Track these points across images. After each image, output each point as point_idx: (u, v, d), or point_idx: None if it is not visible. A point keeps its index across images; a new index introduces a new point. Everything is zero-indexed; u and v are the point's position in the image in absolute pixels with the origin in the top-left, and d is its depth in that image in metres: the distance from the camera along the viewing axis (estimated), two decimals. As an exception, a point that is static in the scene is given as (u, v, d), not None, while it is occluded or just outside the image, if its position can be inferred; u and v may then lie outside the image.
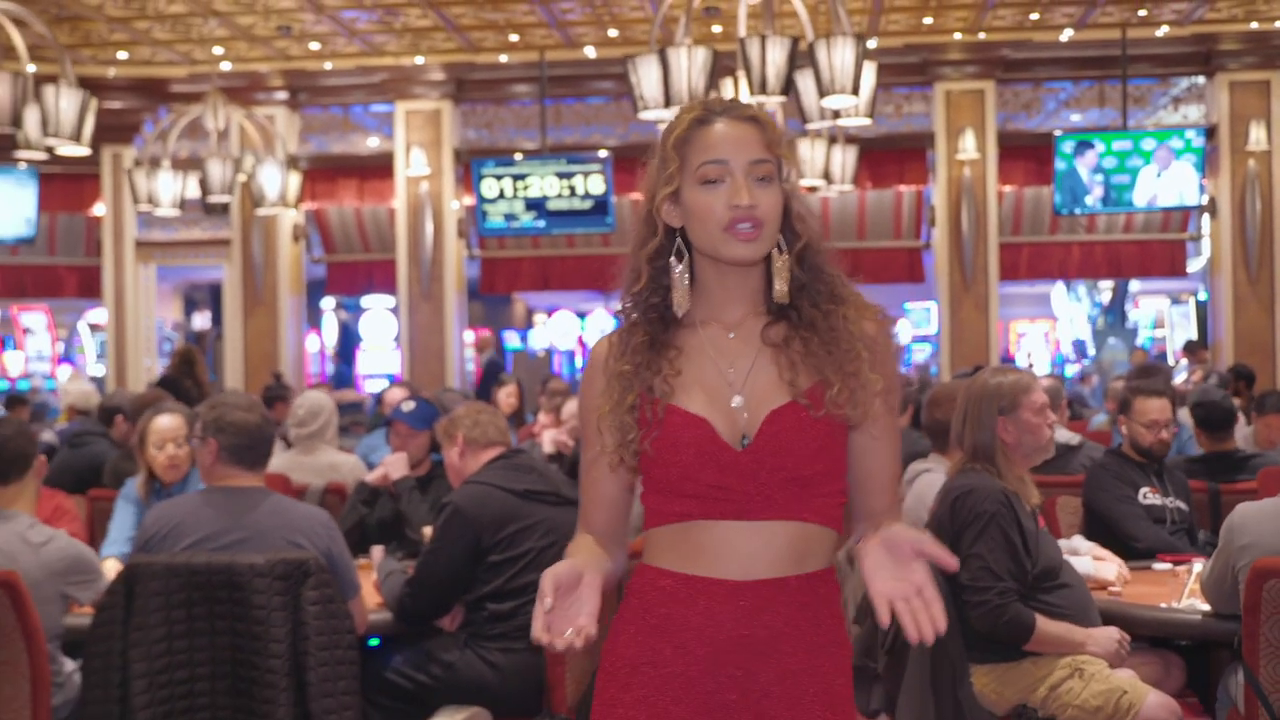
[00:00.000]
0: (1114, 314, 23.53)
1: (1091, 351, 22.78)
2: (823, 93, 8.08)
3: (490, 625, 4.34)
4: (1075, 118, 15.74)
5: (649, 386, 2.21)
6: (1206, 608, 4.10)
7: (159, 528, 4.08)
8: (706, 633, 2.15)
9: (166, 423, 5.38)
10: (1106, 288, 23.10)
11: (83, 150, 9.12)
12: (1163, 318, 22.00)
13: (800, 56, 8.13)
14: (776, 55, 7.72)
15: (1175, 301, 21.27)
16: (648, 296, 2.26)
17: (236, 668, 3.83)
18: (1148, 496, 5.17)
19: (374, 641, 4.44)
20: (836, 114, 8.86)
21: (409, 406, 5.79)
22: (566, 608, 2.01)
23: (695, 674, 2.15)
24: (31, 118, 8.81)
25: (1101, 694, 3.89)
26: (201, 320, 22.60)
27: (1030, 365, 22.03)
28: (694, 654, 2.15)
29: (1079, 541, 4.87)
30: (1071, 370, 21.93)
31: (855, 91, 8.06)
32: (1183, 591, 4.29)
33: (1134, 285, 22.14)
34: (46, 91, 8.64)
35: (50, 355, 20.59)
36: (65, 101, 8.65)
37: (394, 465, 5.64)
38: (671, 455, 2.17)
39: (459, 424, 4.81)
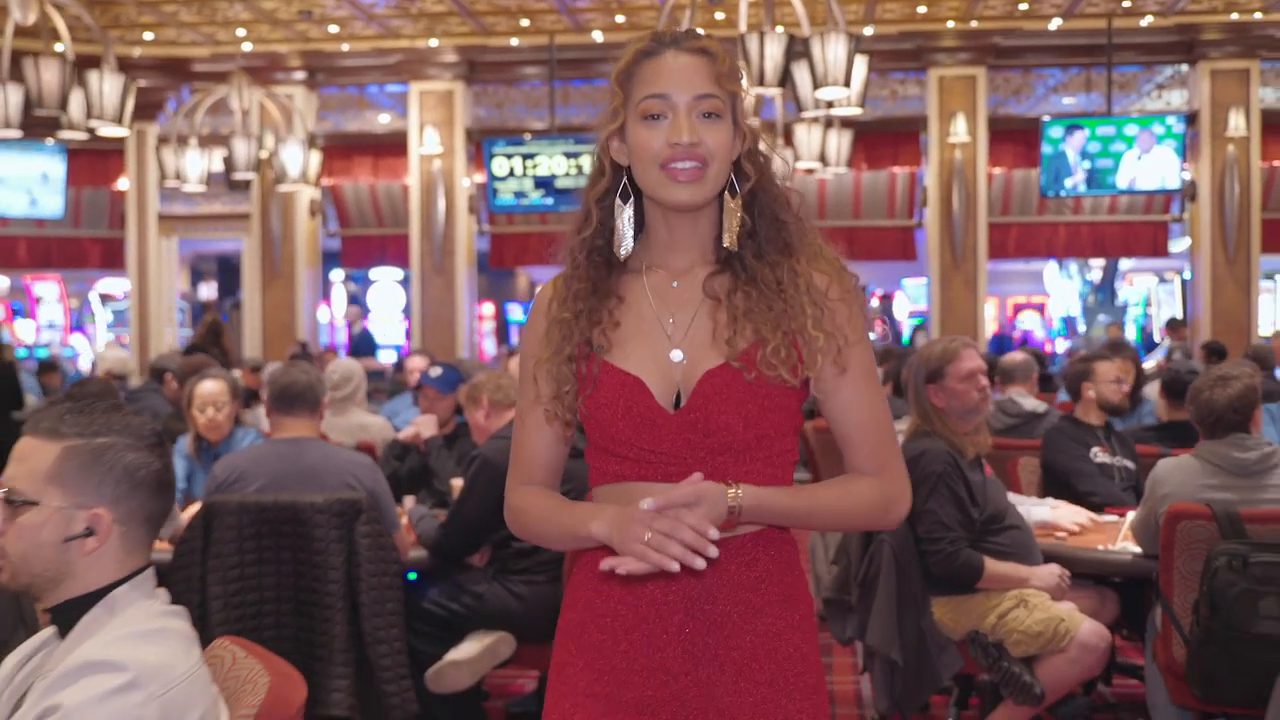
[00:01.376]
0: (1104, 291, 24.11)
1: (1082, 328, 23.38)
2: (817, 84, 8.68)
3: (515, 561, 4.94)
4: (1068, 101, 16.29)
5: (588, 339, 2.13)
6: (1138, 549, 4.72)
7: (228, 475, 4.71)
8: (648, 598, 2.09)
9: (208, 388, 5.90)
10: (1098, 266, 23.67)
11: (123, 131, 9.72)
12: (1152, 296, 22.61)
13: (797, 45, 8.71)
14: (774, 50, 8.30)
15: (1162, 280, 21.84)
16: (593, 238, 2.17)
17: (299, 592, 4.46)
18: (1098, 455, 5.77)
19: (412, 576, 5.04)
20: (830, 104, 9.45)
21: (436, 373, 6.39)
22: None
23: (641, 639, 2.09)
24: (75, 99, 9.40)
25: (1042, 622, 4.50)
26: (208, 290, 23.21)
27: (1026, 340, 22.64)
28: (643, 619, 2.09)
29: (1049, 501, 5.45)
30: (1063, 345, 22.53)
31: (847, 84, 8.66)
32: (1118, 536, 4.92)
33: (1125, 264, 22.71)
34: (90, 76, 9.23)
35: (62, 324, 21.21)
36: (108, 85, 9.23)
37: (424, 425, 6.27)
38: (606, 416, 2.09)
39: (483, 388, 5.41)
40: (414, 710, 4.54)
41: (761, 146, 2.15)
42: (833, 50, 8.49)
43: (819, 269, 2.13)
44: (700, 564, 1.89)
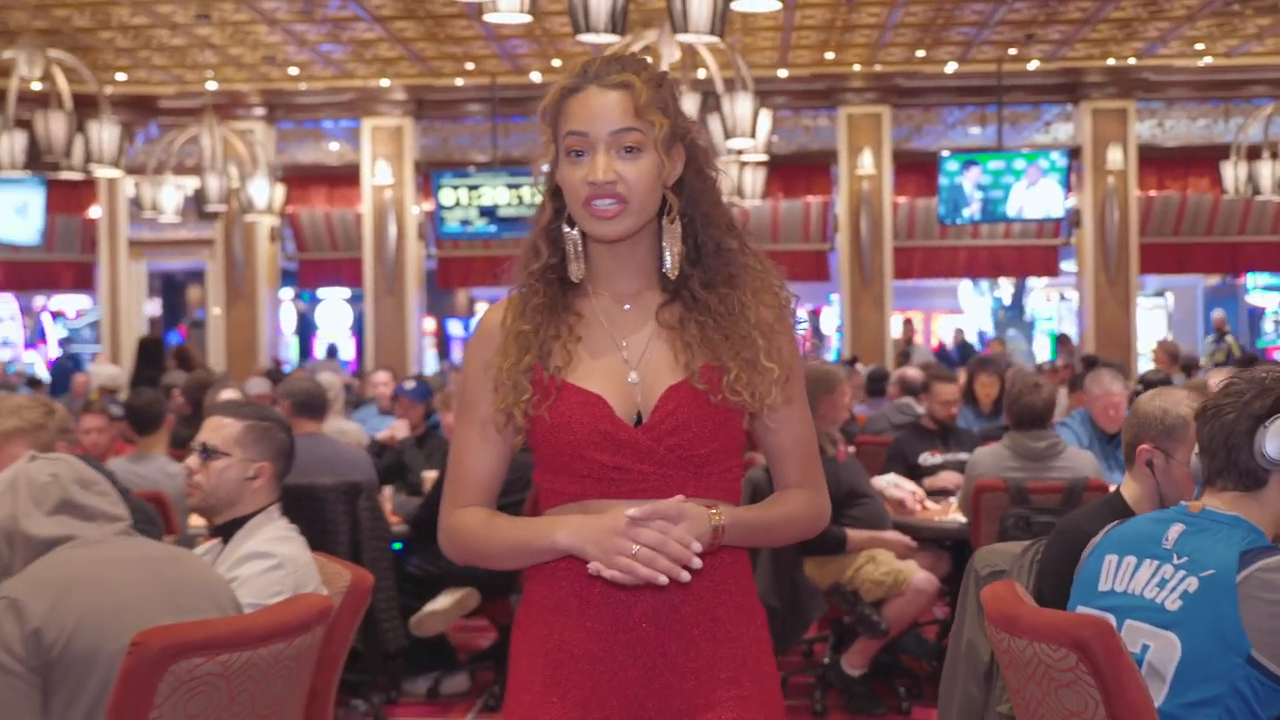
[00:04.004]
0: (1014, 308, 25.73)
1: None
2: (727, 135, 10.09)
3: (479, 532, 6.24)
4: (974, 131, 17.71)
5: (548, 352, 2.13)
6: (964, 519, 6.09)
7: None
8: (608, 611, 2.08)
9: (227, 397, 7.23)
10: (1008, 284, 25.26)
11: (118, 173, 10.96)
12: (1057, 312, 24.27)
13: (710, 100, 10.14)
14: (689, 107, 9.69)
15: (1063, 298, 23.46)
16: (546, 259, 2.16)
17: (314, 555, 5.74)
18: (928, 459, 7.11)
19: (397, 546, 6.34)
20: (740, 151, 10.88)
21: (410, 385, 7.70)
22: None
23: (599, 653, 2.09)
24: (75, 144, 10.64)
25: (886, 573, 5.84)
26: (152, 308, 24.20)
27: (940, 353, 24.11)
28: (598, 634, 2.09)
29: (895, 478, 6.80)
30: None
31: (753, 134, 10.08)
32: (950, 510, 6.31)
33: (1034, 282, 24.28)
34: (91, 126, 10.47)
35: (18, 341, 22.25)
36: (107, 134, 10.47)
37: (399, 428, 7.58)
38: (566, 435, 2.09)
39: (455, 396, 6.73)
40: (403, 643, 5.86)
41: (694, 177, 2.17)
42: (740, 106, 9.91)
43: (764, 302, 2.18)
44: (685, 577, 1.97)
